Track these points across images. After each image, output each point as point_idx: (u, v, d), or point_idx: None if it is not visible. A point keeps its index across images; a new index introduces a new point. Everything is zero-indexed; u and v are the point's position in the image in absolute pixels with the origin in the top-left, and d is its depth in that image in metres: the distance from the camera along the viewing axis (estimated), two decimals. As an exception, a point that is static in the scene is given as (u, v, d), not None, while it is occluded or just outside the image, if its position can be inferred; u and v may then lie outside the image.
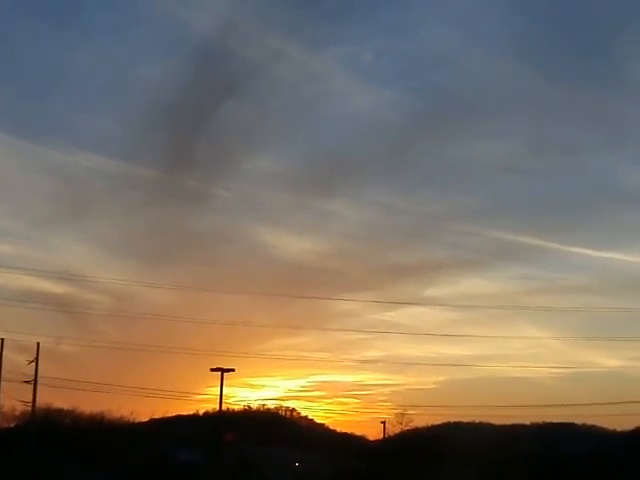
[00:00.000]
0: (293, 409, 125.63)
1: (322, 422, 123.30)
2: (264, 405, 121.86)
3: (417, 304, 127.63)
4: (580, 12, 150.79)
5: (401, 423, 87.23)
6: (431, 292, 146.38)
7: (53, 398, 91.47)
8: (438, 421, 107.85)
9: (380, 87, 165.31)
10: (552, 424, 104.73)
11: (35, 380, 77.06)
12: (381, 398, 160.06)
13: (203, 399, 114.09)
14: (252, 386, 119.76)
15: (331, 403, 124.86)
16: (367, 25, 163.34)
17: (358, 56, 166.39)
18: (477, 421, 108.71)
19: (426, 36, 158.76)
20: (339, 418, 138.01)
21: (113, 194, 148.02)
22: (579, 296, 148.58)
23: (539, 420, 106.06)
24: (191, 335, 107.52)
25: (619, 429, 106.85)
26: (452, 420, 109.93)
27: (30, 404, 77.73)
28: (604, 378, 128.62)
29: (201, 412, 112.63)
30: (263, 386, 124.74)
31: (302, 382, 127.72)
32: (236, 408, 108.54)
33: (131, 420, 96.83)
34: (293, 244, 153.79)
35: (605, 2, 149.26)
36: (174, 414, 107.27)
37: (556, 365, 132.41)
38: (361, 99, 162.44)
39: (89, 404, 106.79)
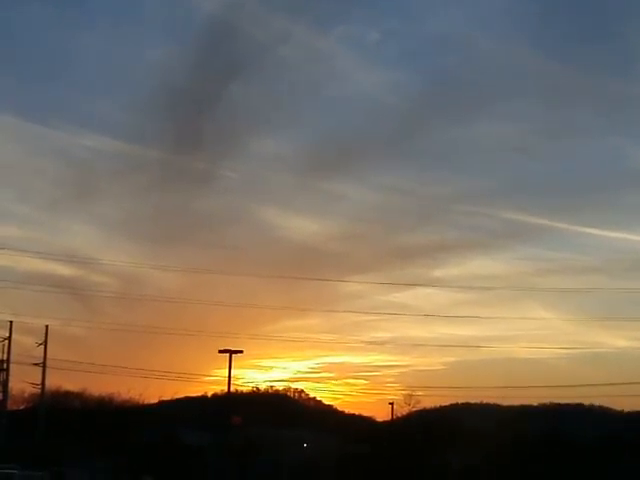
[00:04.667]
0: (301, 390, 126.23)
1: (330, 403, 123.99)
2: (272, 387, 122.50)
3: (425, 285, 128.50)
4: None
5: (409, 404, 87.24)
6: (439, 273, 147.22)
7: (62, 380, 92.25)
8: (446, 402, 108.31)
9: (386, 68, 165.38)
10: (560, 405, 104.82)
11: (44, 362, 77.51)
12: (389, 379, 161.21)
13: (211, 381, 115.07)
14: (260, 368, 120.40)
15: (339, 384, 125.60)
16: (373, 6, 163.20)
17: (364, 37, 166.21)
18: (485, 402, 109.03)
19: (433, 17, 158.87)
20: (347, 399, 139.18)
21: (120, 176, 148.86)
22: (587, 277, 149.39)
23: (547, 401, 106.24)
24: (199, 317, 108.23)
25: (627, 410, 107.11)
26: (460, 401, 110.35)
27: (39, 386, 78.22)
28: (612, 359, 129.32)
29: (209, 394, 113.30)
30: (271, 368, 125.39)
31: (310, 363, 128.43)
32: (244, 390, 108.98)
33: (140, 402, 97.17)
34: (301, 226, 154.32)
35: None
36: (183, 396, 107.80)
37: (564, 346, 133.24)
38: (367, 80, 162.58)
39: (98, 386, 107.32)
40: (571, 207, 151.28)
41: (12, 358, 77.19)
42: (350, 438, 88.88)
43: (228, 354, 62.16)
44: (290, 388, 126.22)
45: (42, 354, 77.50)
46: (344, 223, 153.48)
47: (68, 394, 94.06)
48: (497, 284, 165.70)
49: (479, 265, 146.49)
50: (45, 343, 77.58)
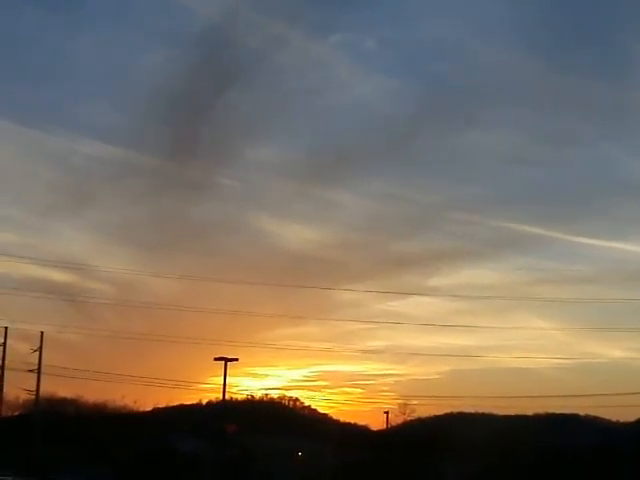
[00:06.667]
0: (296, 399, 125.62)
1: (325, 412, 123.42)
2: (267, 395, 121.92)
3: (420, 294, 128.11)
4: (582, 1, 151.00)
5: (404, 413, 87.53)
6: (434, 282, 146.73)
7: (57, 387, 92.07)
8: (441, 411, 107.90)
9: (383, 75, 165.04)
10: (555, 415, 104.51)
11: (39, 369, 77.31)
12: (384, 388, 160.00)
13: (206, 388, 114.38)
14: (255, 376, 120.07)
15: (334, 393, 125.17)
16: (370, 13, 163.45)
17: (361, 44, 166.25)
18: (480, 412, 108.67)
19: (429, 24, 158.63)
20: (342, 408, 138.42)
21: (116, 182, 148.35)
22: (582, 286, 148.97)
23: (542, 411, 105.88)
24: (195, 324, 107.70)
25: (622, 420, 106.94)
26: (455, 411, 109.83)
27: (34, 393, 78.03)
28: (608, 369, 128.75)
29: (204, 401, 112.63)
30: (266, 376, 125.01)
31: (305, 372, 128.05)
32: (239, 397, 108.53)
33: (134, 409, 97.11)
34: (296, 234, 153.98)
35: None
36: (177, 403, 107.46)
37: (559, 356, 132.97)
38: (364, 87, 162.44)
39: (93, 393, 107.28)
40: (566, 216, 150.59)
41: (7, 364, 77.12)
42: (345, 447, 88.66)
43: (223, 362, 62.14)
44: (285, 396, 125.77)
45: (37, 360, 77.36)
46: (340, 231, 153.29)
47: (63, 401, 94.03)
48: (492, 293, 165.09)
49: (474, 274, 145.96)
50: (40, 349, 77.42)
